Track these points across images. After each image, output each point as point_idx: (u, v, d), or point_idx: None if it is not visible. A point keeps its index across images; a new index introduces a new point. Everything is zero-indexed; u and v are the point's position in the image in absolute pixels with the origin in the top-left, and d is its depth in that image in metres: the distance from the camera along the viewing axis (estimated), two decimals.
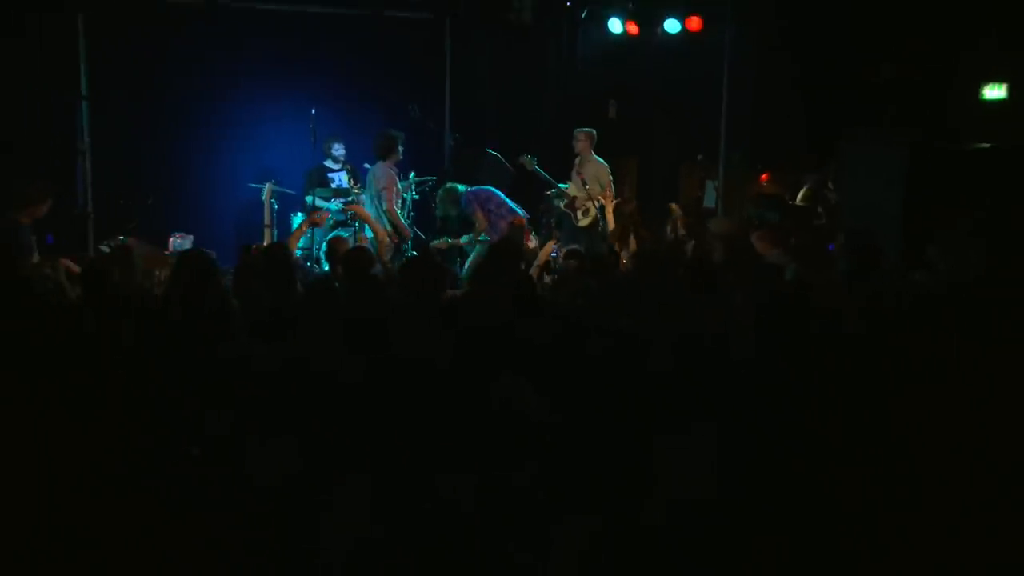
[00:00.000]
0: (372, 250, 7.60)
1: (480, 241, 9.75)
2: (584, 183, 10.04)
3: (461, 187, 10.11)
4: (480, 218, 9.84)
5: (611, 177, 10.20)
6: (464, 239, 10.14)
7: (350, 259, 6.33)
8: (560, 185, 10.36)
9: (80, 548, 3.24)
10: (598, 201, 9.90)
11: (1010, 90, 9.53)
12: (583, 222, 10.21)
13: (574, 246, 8.22)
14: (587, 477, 3.41)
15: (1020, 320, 4.75)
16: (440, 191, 10.22)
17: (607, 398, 3.69)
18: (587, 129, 10.35)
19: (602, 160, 10.27)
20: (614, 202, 9.75)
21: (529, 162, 10.35)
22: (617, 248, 8.43)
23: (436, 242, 10.30)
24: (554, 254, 8.90)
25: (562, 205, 10.34)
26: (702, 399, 3.66)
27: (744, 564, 3.25)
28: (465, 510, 3.31)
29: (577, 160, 10.35)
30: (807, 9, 10.09)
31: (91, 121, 10.30)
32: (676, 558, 3.24)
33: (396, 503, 3.32)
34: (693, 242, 8.56)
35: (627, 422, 3.57)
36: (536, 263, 7.89)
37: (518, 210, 9.97)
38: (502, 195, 10.05)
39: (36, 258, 7.46)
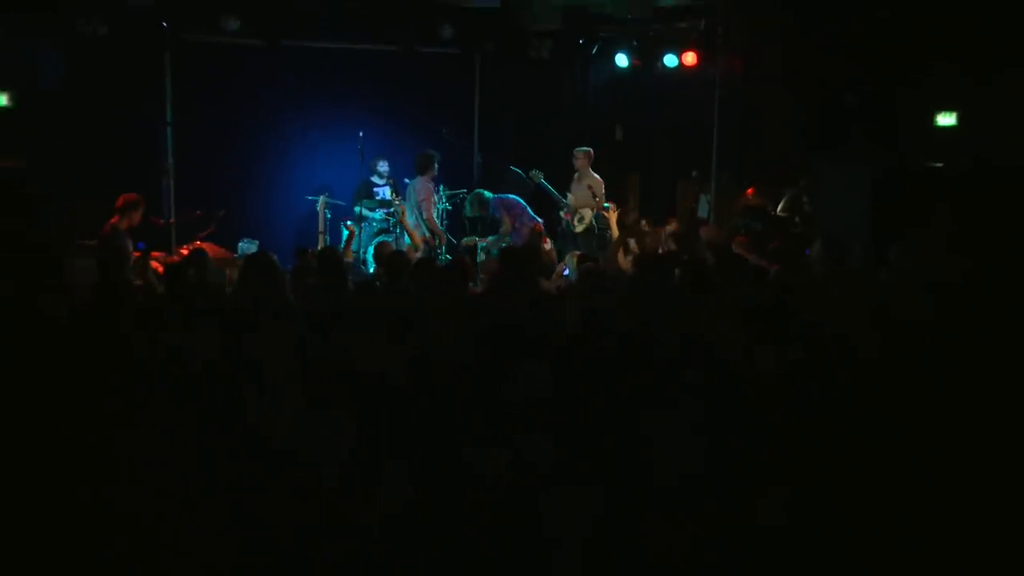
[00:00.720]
0: None
1: (504, 244, 9.69)
2: (594, 195, 9.96)
3: (488, 194, 10.11)
4: (507, 221, 9.89)
5: (603, 191, 10.15)
6: (490, 239, 10.08)
7: (389, 262, 6.40)
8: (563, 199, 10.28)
9: (155, 530, 3.19)
10: (595, 210, 9.84)
11: (959, 118, 9.42)
12: (579, 228, 10.17)
13: (580, 251, 8.14)
14: (590, 460, 3.34)
15: (974, 312, 4.67)
16: (470, 195, 10.22)
17: (612, 391, 3.61)
18: (585, 148, 10.30)
19: (597, 176, 10.18)
20: (616, 212, 9.65)
21: (535, 176, 10.26)
22: (620, 254, 8.32)
23: (466, 240, 10.30)
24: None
25: (562, 214, 10.27)
26: (699, 392, 3.58)
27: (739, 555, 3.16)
28: (490, 483, 3.24)
29: (576, 175, 10.27)
30: (789, 44, 9.98)
31: (174, 144, 10.48)
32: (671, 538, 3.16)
33: (432, 478, 3.26)
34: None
35: (628, 415, 3.49)
36: (556, 273, 7.85)
37: (536, 218, 9.95)
38: (524, 203, 10.02)
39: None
